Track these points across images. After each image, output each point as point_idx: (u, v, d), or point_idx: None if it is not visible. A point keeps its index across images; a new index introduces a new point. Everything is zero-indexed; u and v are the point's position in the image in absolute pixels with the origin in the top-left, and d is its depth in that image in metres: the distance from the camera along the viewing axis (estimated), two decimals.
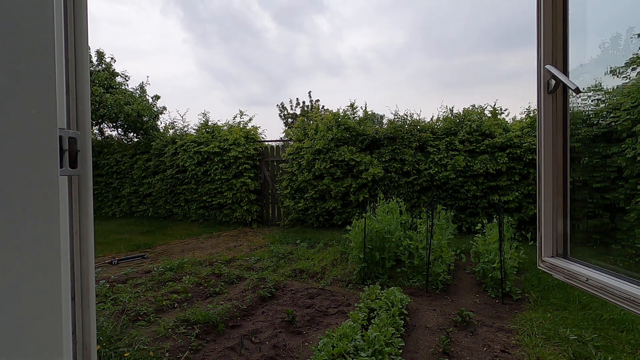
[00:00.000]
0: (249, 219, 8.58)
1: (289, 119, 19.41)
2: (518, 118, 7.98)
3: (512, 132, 6.80)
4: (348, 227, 4.45)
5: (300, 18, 43.04)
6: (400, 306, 2.98)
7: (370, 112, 8.12)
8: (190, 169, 8.88)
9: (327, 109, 8.40)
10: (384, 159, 7.36)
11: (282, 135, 18.09)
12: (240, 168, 8.47)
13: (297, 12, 43.38)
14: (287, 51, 41.84)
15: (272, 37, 41.96)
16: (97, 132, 11.38)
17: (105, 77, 10.15)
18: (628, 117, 1.33)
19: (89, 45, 0.71)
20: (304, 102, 19.19)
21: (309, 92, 21.09)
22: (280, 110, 20.03)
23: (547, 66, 1.22)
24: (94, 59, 10.55)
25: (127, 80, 10.96)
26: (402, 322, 2.78)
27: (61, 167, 0.58)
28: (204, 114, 9.37)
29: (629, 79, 1.20)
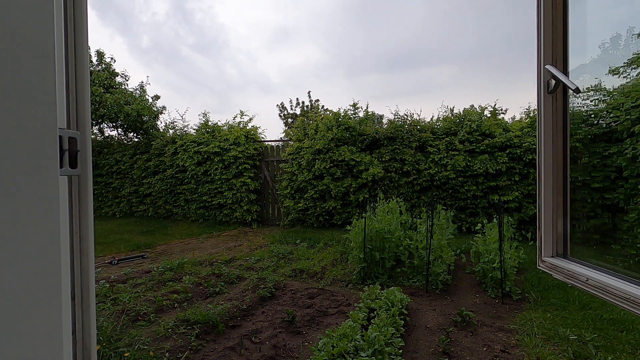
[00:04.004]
0: (249, 219, 8.58)
1: (289, 119, 19.41)
2: (518, 118, 7.99)
3: (512, 132, 6.80)
4: (348, 227, 4.45)
5: (210, 51, 47.80)
6: (400, 306, 2.98)
7: (371, 112, 8.14)
8: (190, 168, 8.88)
9: (328, 109, 8.38)
10: (384, 159, 7.36)
11: (282, 135, 18.10)
12: (240, 168, 8.47)
13: (206, 48, 48.00)
14: (218, 72, 46.38)
15: (200, 62, 46.54)
16: (97, 132, 11.38)
17: (105, 77, 10.16)
18: (628, 117, 1.33)
19: (89, 45, 0.71)
20: (303, 102, 19.20)
21: (309, 92, 21.11)
22: (280, 110, 20.04)
23: (547, 66, 1.22)
24: (94, 59, 10.56)
25: (127, 80, 10.97)
26: (402, 322, 2.78)
27: (61, 167, 0.58)
28: (204, 114, 9.39)
29: (629, 78, 1.20)
